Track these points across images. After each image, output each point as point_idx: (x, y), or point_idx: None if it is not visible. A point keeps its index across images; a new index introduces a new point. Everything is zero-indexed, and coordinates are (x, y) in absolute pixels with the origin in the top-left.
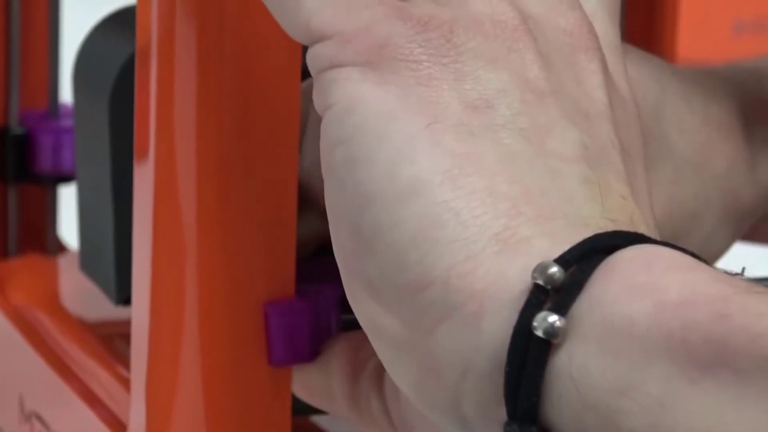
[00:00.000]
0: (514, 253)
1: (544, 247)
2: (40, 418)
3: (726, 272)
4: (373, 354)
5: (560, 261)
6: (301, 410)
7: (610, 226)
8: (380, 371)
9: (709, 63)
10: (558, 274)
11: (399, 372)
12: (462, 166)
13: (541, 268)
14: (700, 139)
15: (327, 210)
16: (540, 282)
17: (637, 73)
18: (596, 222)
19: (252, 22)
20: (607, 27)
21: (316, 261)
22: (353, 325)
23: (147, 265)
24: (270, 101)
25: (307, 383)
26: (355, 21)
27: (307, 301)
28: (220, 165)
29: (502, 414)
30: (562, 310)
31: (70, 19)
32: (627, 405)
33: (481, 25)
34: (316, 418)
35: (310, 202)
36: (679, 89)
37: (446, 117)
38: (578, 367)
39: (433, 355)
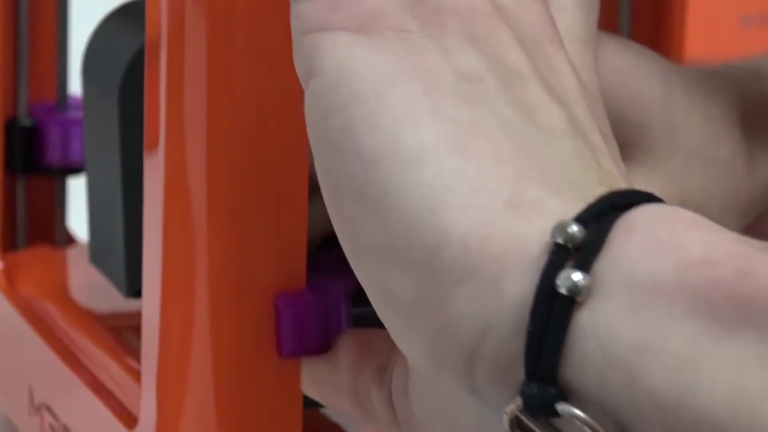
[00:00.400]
0: (529, 215)
1: (558, 209)
2: (50, 410)
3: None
4: (379, 351)
5: (579, 219)
6: (312, 402)
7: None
8: (385, 367)
9: (716, 57)
10: (578, 233)
11: (410, 338)
12: (465, 132)
13: (561, 227)
14: (704, 133)
15: (320, 178)
16: (560, 241)
17: (645, 67)
18: (597, 190)
19: (262, 12)
20: (576, 21)
21: (326, 253)
22: (364, 319)
23: (157, 257)
24: (281, 92)
25: (312, 376)
26: None
27: (318, 293)
28: (230, 156)
29: (518, 376)
30: (585, 267)
31: (79, 10)
32: (650, 363)
33: (460, 10)
34: (327, 410)
35: (318, 193)
36: (682, 85)
37: (441, 84)
38: (603, 325)
39: (449, 318)
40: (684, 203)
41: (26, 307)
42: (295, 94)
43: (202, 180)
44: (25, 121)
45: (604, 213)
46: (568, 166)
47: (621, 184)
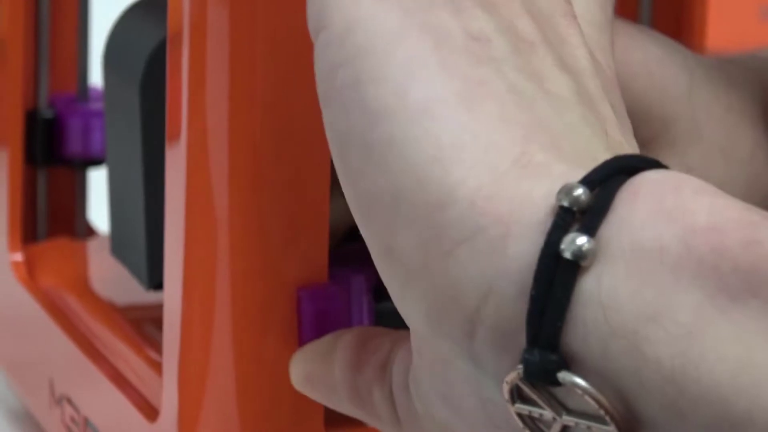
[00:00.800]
0: (536, 176)
1: (564, 171)
2: (70, 402)
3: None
4: (379, 348)
5: (585, 182)
6: None
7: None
8: (385, 364)
9: (737, 47)
10: (584, 196)
11: (411, 300)
12: (474, 90)
13: (566, 190)
14: (726, 124)
15: (330, 139)
16: (566, 204)
17: (670, 61)
18: (603, 156)
19: (284, 2)
20: (592, 4)
21: (348, 246)
22: (385, 314)
23: (179, 249)
24: (303, 83)
25: (306, 374)
26: None
27: (340, 286)
28: (253, 148)
29: (519, 342)
30: (590, 231)
31: (100, 2)
32: (655, 332)
33: None
34: None
35: (340, 186)
36: (704, 76)
37: (451, 41)
38: (607, 291)
39: (452, 277)
40: None
41: (47, 299)
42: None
43: (224, 171)
44: (46, 112)
45: (610, 177)
46: (576, 133)
47: (629, 151)
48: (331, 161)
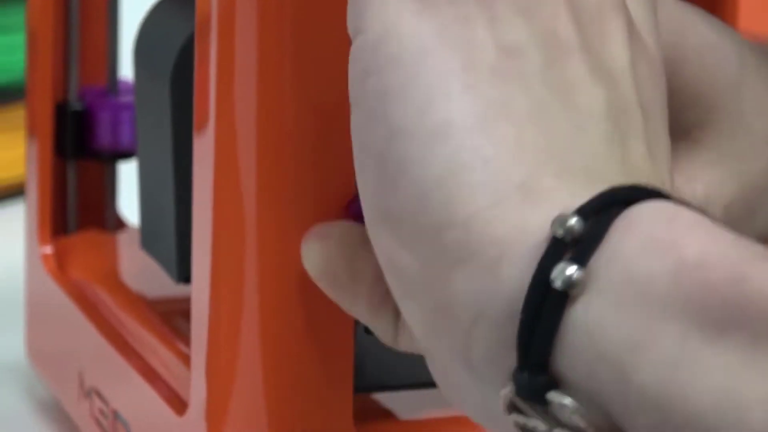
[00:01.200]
0: (537, 203)
1: (565, 199)
2: (99, 395)
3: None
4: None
5: (579, 212)
6: (362, 388)
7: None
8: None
9: None
10: (577, 226)
11: (412, 311)
12: (494, 112)
13: (561, 220)
14: None
15: (353, 140)
16: (559, 233)
17: (723, 48)
18: (616, 179)
19: None
20: None
21: None
22: None
23: (207, 241)
24: (331, 73)
25: (331, 271)
26: None
27: None
28: (281, 138)
29: (511, 362)
30: (581, 261)
31: None
32: (640, 360)
33: None
34: (378, 396)
35: None
36: (755, 67)
37: (481, 58)
38: (594, 320)
39: (448, 296)
40: (745, 187)
41: (77, 292)
42: (346, 77)
43: (252, 163)
44: (76, 105)
45: (606, 207)
46: (592, 154)
47: (646, 171)
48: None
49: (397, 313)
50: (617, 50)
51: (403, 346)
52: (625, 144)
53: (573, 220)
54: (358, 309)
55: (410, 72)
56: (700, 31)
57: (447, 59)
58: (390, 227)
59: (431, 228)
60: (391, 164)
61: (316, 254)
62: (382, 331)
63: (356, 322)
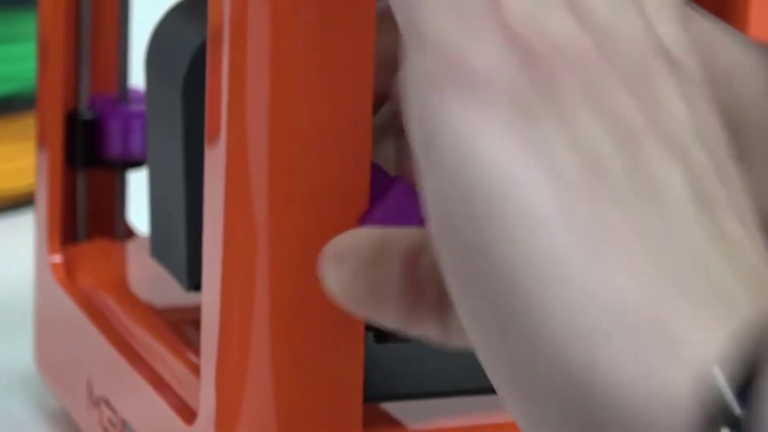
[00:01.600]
0: (674, 351)
1: (701, 343)
2: (108, 404)
3: None
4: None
5: (727, 371)
6: (372, 397)
7: (752, 299)
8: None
9: None
10: (730, 401)
11: None
12: (600, 244)
13: (712, 392)
14: None
15: (446, 273)
16: (713, 411)
17: (748, 62)
18: (736, 294)
19: (325, 1)
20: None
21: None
22: None
23: (218, 250)
24: (344, 82)
25: (356, 296)
26: (473, 48)
27: None
28: (292, 148)
29: None
30: None
31: (141, 3)
32: None
33: (569, 55)
34: (387, 406)
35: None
36: None
37: (566, 176)
38: None
39: None
40: None
41: (86, 300)
42: (359, 84)
43: (264, 171)
44: (86, 114)
45: (755, 363)
46: (705, 268)
47: (752, 260)
48: (371, 160)
49: (439, 312)
50: (673, 105)
51: (456, 343)
52: (716, 221)
53: (725, 394)
54: (390, 320)
55: (497, 201)
56: (728, 51)
57: (532, 179)
58: (509, 383)
59: (564, 388)
60: (514, 320)
61: (335, 278)
62: (423, 334)
63: (366, 332)
